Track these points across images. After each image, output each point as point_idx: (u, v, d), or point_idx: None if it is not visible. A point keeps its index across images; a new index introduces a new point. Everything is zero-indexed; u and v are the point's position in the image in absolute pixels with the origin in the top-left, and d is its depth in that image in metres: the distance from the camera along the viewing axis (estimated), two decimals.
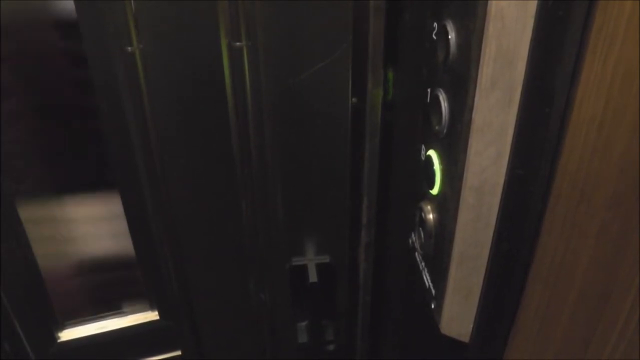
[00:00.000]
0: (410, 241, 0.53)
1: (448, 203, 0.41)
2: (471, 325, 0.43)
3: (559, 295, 0.35)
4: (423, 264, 0.50)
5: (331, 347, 0.67)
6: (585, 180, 0.30)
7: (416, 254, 0.51)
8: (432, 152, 0.44)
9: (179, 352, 0.70)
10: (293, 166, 0.54)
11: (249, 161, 0.53)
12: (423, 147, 0.47)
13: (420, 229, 0.48)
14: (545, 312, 0.37)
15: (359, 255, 0.60)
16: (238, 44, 0.47)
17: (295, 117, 0.51)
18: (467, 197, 0.38)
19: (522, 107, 0.33)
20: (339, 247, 0.60)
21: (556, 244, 0.34)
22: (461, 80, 0.36)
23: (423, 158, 0.47)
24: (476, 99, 0.34)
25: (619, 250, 0.28)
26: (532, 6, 0.30)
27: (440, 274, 0.44)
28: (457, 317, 0.44)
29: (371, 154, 0.52)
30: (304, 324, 0.66)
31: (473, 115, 0.35)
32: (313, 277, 0.60)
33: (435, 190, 0.44)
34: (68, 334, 0.66)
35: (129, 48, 0.47)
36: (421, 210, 0.47)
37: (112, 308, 0.68)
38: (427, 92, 0.44)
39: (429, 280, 0.48)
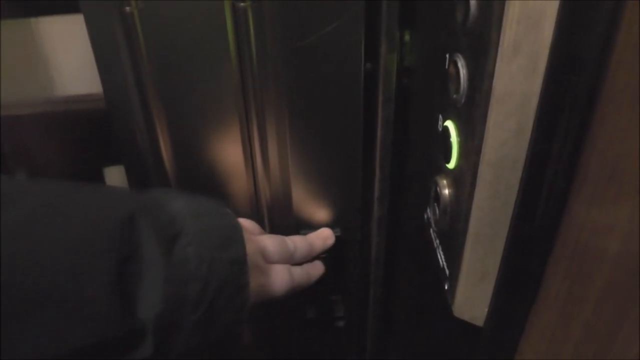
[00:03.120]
0: (425, 216, 0.51)
1: (464, 178, 0.38)
2: (486, 309, 0.41)
3: (583, 282, 0.32)
4: (437, 241, 0.47)
5: (341, 323, 0.66)
6: (616, 158, 0.27)
7: (431, 230, 0.49)
8: (449, 123, 0.41)
9: None
10: (302, 136, 0.52)
11: (255, 129, 0.51)
12: (440, 116, 0.44)
13: (435, 204, 0.45)
14: (567, 299, 0.34)
15: (372, 229, 0.57)
16: (242, 4, 0.44)
17: (303, 83, 0.48)
18: (485, 173, 0.35)
19: (548, 75, 0.30)
20: (350, 220, 0.57)
21: (581, 227, 0.31)
22: (481, 44, 0.33)
23: (440, 129, 0.44)
24: (497, 65, 0.31)
25: None
26: None
27: (454, 254, 0.41)
28: (471, 299, 0.41)
29: (384, 123, 0.49)
30: (313, 299, 0.64)
31: (493, 83, 0.32)
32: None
33: (451, 164, 0.41)
34: None
35: (128, 8, 0.45)
36: (436, 184, 0.44)
37: None
38: (446, 57, 0.40)
39: (443, 259, 0.45)
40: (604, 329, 0.30)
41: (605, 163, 0.28)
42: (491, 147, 0.34)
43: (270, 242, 0.49)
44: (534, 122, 0.32)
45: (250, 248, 0.44)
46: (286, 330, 0.67)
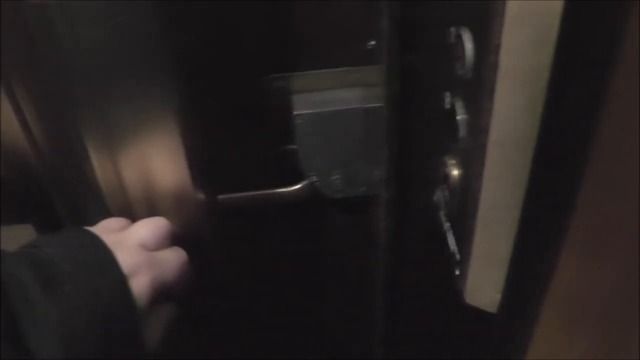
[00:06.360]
0: (434, 198, 0.49)
1: (473, 158, 0.36)
2: (499, 296, 0.39)
3: (598, 266, 0.30)
4: (448, 224, 0.45)
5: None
6: (630, 138, 0.25)
7: (441, 213, 0.47)
8: (456, 100, 0.39)
9: None
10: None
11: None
12: (448, 94, 0.41)
13: (444, 185, 0.43)
14: (582, 284, 0.32)
15: (378, 213, 0.55)
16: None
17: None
18: (493, 153, 0.33)
19: (559, 47, 0.28)
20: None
21: (597, 208, 0.29)
22: (486, 15, 0.30)
23: (447, 106, 0.41)
24: (503, 37, 0.29)
25: None
26: None
27: (465, 237, 0.40)
28: (483, 286, 0.39)
29: (390, 101, 0.47)
30: None
31: (499, 57, 0.30)
32: None
33: (459, 144, 0.39)
34: None
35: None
36: (445, 165, 0.42)
37: None
38: (451, 30, 0.38)
39: (454, 244, 0.43)
40: (617, 315, 0.28)
41: (619, 142, 0.26)
42: (499, 125, 0.32)
43: (143, 229, 0.48)
44: (545, 98, 0.30)
45: (127, 247, 0.45)
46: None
